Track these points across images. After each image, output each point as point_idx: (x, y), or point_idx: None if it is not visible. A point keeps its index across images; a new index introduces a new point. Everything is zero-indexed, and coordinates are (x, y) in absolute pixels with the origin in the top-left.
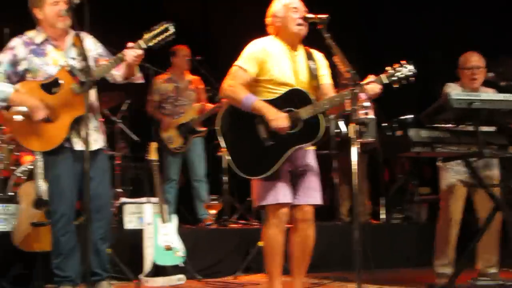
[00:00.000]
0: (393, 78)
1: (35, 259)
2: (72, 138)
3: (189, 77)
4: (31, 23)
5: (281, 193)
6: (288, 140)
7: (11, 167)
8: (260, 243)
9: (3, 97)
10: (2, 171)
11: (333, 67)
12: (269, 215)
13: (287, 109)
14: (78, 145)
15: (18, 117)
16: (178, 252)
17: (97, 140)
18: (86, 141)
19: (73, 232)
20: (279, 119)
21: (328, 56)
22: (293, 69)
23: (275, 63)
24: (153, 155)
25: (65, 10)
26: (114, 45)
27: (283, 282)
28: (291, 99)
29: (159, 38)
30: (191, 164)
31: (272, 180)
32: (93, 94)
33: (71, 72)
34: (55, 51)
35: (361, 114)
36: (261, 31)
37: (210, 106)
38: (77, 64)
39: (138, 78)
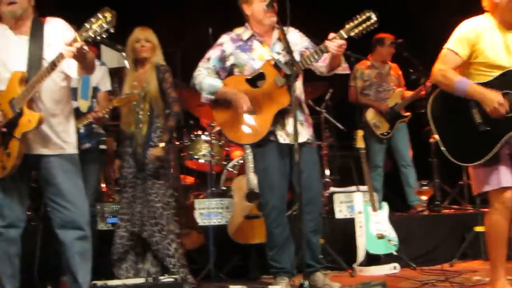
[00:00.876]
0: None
1: (250, 251)
2: (277, 131)
3: (389, 63)
4: (232, 23)
5: (504, 177)
6: (506, 125)
7: (223, 162)
8: (477, 228)
9: (212, 90)
10: (214, 166)
11: None
12: (493, 201)
13: (504, 91)
14: (282, 138)
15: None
16: (391, 241)
17: (301, 133)
18: (295, 133)
19: (286, 224)
20: (496, 103)
21: None
22: (507, 50)
23: (488, 44)
24: (360, 143)
25: (266, 5)
26: (317, 36)
27: (507, 269)
28: (507, 81)
29: (361, 28)
30: (397, 150)
31: (492, 164)
32: (298, 87)
33: (276, 65)
34: (261, 47)
35: None
36: (466, 10)
37: (409, 92)
38: (281, 57)
39: (344, 68)
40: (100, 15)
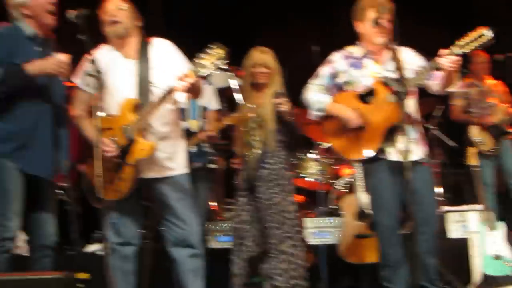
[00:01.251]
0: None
1: (362, 271)
2: (387, 149)
3: (490, 81)
4: (337, 41)
5: None
6: None
7: (331, 181)
8: None
9: (320, 106)
10: (323, 185)
11: None
12: None
13: None
14: (393, 156)
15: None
16: (507, 262)
17: (414, 152)
18: (405, 151)
19: (399, 244)
20: None
21: None
22: None
23: None
24: (472, 160)
25: (373, 23)
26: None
27: None
28: None
29: (474, 44)
30: (505, 167)
31: None
32: (411, 104)
33: (386, 83)
34: (373, 64)
35: None
36: None
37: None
38: (392, 75)
39: (459, 86)
40: (212, 51)
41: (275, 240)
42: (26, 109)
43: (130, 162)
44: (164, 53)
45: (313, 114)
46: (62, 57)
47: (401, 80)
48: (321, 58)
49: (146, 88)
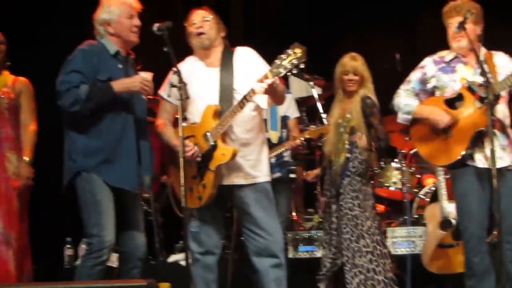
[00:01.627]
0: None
1: (446, 281)
2: (475, 155)
3: None
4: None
5: None
6: None
7: (414, 190)
8: None
9: (408, 110)
10: (406, 194)
11: None
12: None
13: None
14: (481, 162)
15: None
16: None
17: (502, 158)
18: (492, 157)
19: (486, 253)
20: None
21: None
22: None
23: None
24: None
25: (455, 28)
26: None
27: None
28: None
29: None
30: None
31: None
32: (501, 110)
33: (470, 88)
34: (464, 69)
35: None
36: None
37: None
38: (480, 79)
39: None
40: (290, 51)
41: (350, 253)
42: (110, 124)
43: (212, 168)
44: (246, 60)
45: (401, 117)
46: (146, 76)
47: (485, 84)
48: (404, 65)
49: (228, 94)
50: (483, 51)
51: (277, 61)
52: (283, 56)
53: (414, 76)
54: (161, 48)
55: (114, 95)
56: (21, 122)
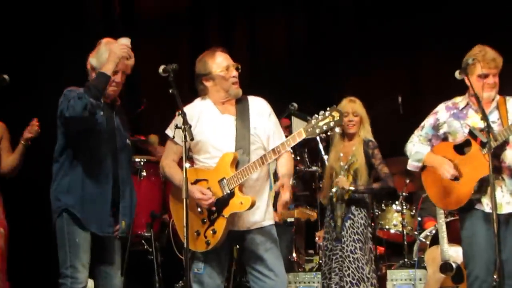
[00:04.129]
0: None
1: None
2: (483, 199)
3: None
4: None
5: None
6: None
7: (415, 232)
8: None
9: (418, 157)
10: (406, 236)
11: None
12: None
13: None
14: (488, 207)
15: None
16: None
17: (510, 203)
18: (493, 202)
19: None
20: None
21: None
22: None
23: None
24: None
25: (481, 76)
26: None
27: None
28: None
29: None
30: None
31: None
32: (509, 156)
33: (471, 133)
34: (476, 115)
35: None
36: None
37: None
38: (480, 125)
39: None
40: (328, 113)
41: None
42: (93, 166)
43: (225, 215)
44: (262, 113)
45: (411, 164)
46: (124, 40)
47: (486, 130)
48: (407, 106)
49: (245, 144)
50: (496, 97)
51: (313, 121)
52: (319, 117)
53: (428, 121)
54: (166, 89)
55: (108, 77)
56: (3, 165)
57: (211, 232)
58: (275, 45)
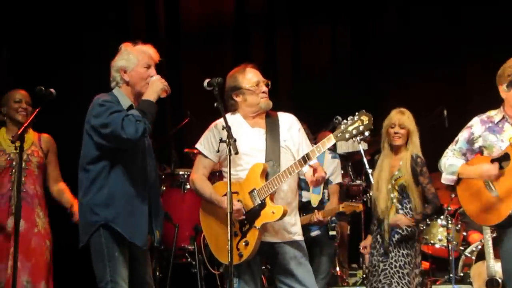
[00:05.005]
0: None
1: None
2: None
3: None
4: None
5: None
6: None
7: (460, 247)
8: None
9: (452, 170)
10: (452, 251)
11: None
12: None
13: None
14: None
15: None
16: None
17: None
18: None
19: None
20: None
21: None
22: None
23: None
24: None
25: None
26: None
27: None
28: None
29: None
30: None
31: None
32: None
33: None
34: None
35: None
36: None
37: None
38: None
39: None
40: (356, 118)
41: None
42: (128, 178)
43: (257, 226)
44: (290, 127)
45: (445, 177)
46: (157, 77)
47: None
48: (452, 120)
49: (275, 157)
50: None
51: (342, 127)
52: (348, 122)
53: (462, 136)
54: (210, 102)
55: (155, 104)
56: (51, 178)
57: (244, 244)
58: (318, 57)
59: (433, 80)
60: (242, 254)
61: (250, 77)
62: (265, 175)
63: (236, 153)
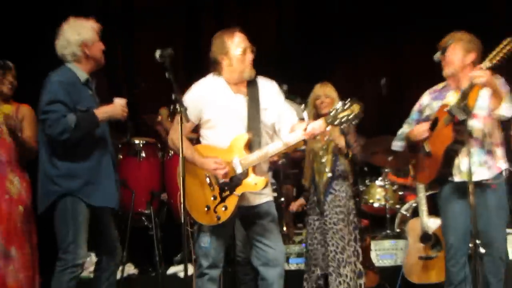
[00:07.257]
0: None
1: None
2: (453, 170)
3: None
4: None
5: None
6: None
7: (396, 206)
8: None
9: (401, 137)
10: (389, 209)
11: None
12: None
13: None
14: (456, 177)
15: None
16: None
17: (477, 172)
18: (469, 173)
19: (464, 265)
20: None
21: None
22: None
23: None
24: None
25: (436, 55)
26: None
27: None
28: None
29: (502, 53)
30: None
31: None
32: (477, 128)
33: (450, 111)
34: (453, 94)
35: None
36: None
37: None
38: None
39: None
40: (348, 105)
41: (336, 263)
42: (90, 148)
43: (237, 193)
44: (271, 95)
45: (395, 144)
46: (122, 101)
47: (462, 107)
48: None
49: (256, 126)
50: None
51: (333, 112)
52: (339, 108)
53: (414, 108)
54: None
55: (98, 123)
56: (25, 142)
57: (222, 208)
58: (267, 27)
59: (375, 52)
60: (220, 217)
61: (238, 43)
62: (249, 146)
63: (187, 121)
